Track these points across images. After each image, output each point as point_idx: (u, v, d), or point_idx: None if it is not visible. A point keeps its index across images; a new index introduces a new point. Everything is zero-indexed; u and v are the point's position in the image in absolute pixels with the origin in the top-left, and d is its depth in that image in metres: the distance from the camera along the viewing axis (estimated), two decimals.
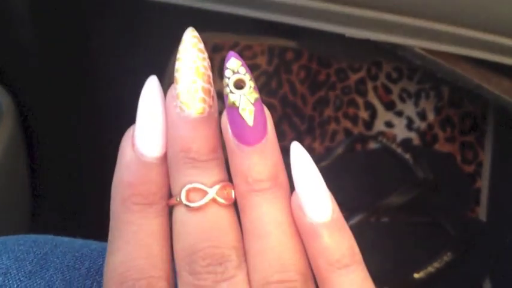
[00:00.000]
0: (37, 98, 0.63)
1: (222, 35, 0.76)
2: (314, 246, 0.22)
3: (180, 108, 0.22)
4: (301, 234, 0.22)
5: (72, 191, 0.67)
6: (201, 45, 0.22)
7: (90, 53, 0.68)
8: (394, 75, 0.74)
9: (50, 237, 0.30)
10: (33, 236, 0.30)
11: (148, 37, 0.68)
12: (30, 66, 0.62)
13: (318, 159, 0.68)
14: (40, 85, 0.63)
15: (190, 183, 0.22)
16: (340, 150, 0.70)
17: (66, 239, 0.30)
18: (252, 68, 0.75)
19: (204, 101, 0.22)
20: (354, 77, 0.75)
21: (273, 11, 0.47)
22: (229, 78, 0.21)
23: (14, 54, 0.59)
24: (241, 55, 0.75)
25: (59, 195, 0.66)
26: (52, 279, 0.28)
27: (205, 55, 0.22)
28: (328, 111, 0.74)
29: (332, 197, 0.22)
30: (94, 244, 0.30)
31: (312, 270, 0.22)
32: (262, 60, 0.75)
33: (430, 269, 0.62)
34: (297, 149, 0.22)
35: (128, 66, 0.63)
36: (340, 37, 0.48)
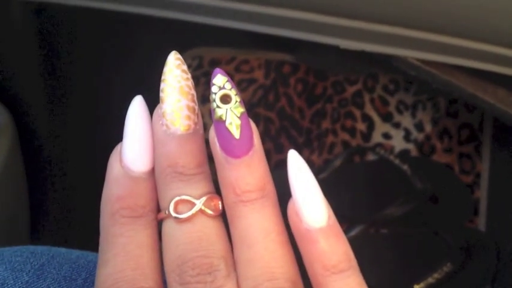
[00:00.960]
0: (35, 114, 0.63)
1: (219, 50, 0.77)
2: (310, 252, 0.22)
3: (166, 126, 0.22)
4: (297, 240, 0.23)
5: (70, 204, 0.67)
6: (185, 67, 0.23)
7: (89, 72, 0.68)
8: (391, 87, 0.75)
9: (46, 248, 0.30)
10: (30, 247, 0.30)
11: (144, 52, 0.68)
12: (30, 82, 0.62)
13: (316, 172, 0.68)
14: (38, 102, 0.63)
15: (178, 195, 0.22)
16: (338, 162, 0.70)
17: (63, 250, 0.30)
18: (249, 82, 0.75)
19: (189, 118, 0.22)
20: (351, 90, 0.75)
21: (268, 24, 0.47)
22: (215, 93, 0.22)
23: (13, 71, 0.60)
24: (239, 69, 0.76)
25: (58, 209, 0.66)
26: None
27: (189, 75, 0.23)
28: (326, 124, 0.74)
29: (328, 204, 0.23)
30: (91, 255, 0.30)
31: (301, 278, 0.23)
32: (259, 74, 0.75)
33: (430, 280, 0.62)
34: (293, 157, 0.23)
35: (124, 84, 0.64)
36: (336, 50, 0.49)
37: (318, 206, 0.22)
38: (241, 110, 0.22)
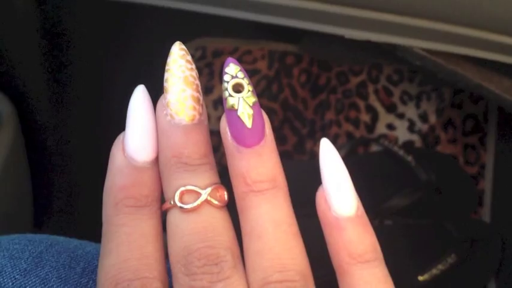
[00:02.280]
0: (38, 106, 0.63)
1: (222, 40, 0.76)
2: (337, 239, 0.22)
3: (171, 116, 0.22)
4: (324, 228, 0.23)
5: (74, 196, 0.67)
6: (189, 57, 0.23)
7: (92, 63, 0.68)
8: (395, 77, 0.74)
9: (45, 236, 0.30)
10: (28, 235, 0.30)
11: (146, 43, 0.68)
12: (32, 74, 0.62)
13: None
14: (41, 93, 0.63)
15: (184, 185, 0.22)
16: (342, 153, 0.70)
17: (61, 238, 0.30)
18: (252, 72, 0.75)
19: (194, 108, 0.22)
20: (355, 80, 0.74)
21: (272, 13, 0.47)
22: (228, 82, 0.22)
23: (16, 62, 0.60)
24: (242, 60, 0.75)
25: (61, 201, 0.66)
26: (47, 277, 0.28)
27: (193, 66, 0.23)
28: (330, 115, 0.74)
29: (357, 195, 0.23)
30: (89, 246, 0.30)
31: (311, 271, 0.22)
32: (262, 65, 0.75)
33: (435, 271, 0.62)
34: (326, 146, 0.23)
35: (127, 75, 0.63)
36: (340, 40, 0.48)
37: (349, 195, 0.22)
38: (254, 99, 0.22)
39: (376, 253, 0.22)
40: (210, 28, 0.75)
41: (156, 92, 0.24)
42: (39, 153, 0.63)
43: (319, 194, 0.23)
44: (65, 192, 0.67)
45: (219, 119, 0.75)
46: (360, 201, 0.23)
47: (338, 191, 0.22)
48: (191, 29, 0.74)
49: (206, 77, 0.74)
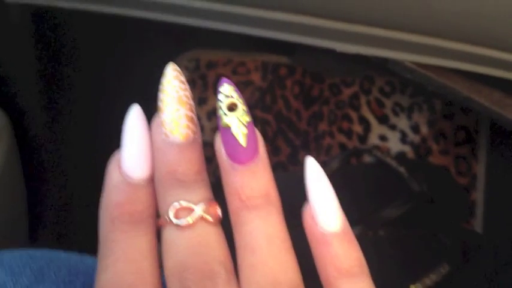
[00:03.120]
0: (33, 117, 0.63)
1: (216, 52, 0.77)
2: (324, 255, 0.23)
3: (165, 135, 0.23)
4: (311, 244, 0.23)
5: (68, 207, 0.67)
6: (183, 78, 0.23)
7: (88, 76, 0.68)
8: (387, 89, 0.75)
9: (45, 251, 0.30)
10: (29, 251, 0.30)
11: (142, 55, 0.68)
12: (28, 86, 0.62)
13: None
14: (36, 104, 0.63)
15: (178, 202, 0.23)
16: (335, 164, 0.71)
17: (62, 253, 0.31)
18: (246, 84, 0.75)
19: (188, 127, 0.23)
20: (347, 92, 0.75)
21: (264, 27, 0.47)
22: (222, 102, 0.23)
23: (11, 73, 0.60)
24: (235, 72, 0.76)
25: (55, 212, 0.66)
26: None
27: (187, 86, 0.23)
28: (323, 126, 0.74)
29: (342, 211, 0.24)
30: (89, 260, 0.31)
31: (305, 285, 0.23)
32: (256, 77, 0.76)
33: (427, 281, 0.62)
34: (311, 164, 0.24)
35: (124, 89, 0.64)
36: (332, 52, 0.49)
37: (334, 211, 0.23)
38: (248, 118, 0.23)
39: (362, 267, 0.23)
40: (204, 40, 0.75)
41: (151, 107, 0.25)
42: (34, 163, 0.64)
43: (305, 211, 0.23)
44: (59, 201, 0.67)
45: (212, 130, 0.75)
46: (345, 217, 0.23)
47: (324, 207, 0.23)
48: (185, 40, 0.74)
49: (200, 89, 0.75)
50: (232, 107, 0.23)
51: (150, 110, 0.24)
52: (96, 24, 0.63)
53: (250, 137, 0.23)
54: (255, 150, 0.23)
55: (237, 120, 0.23)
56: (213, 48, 0.77)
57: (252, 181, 0.23)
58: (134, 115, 0.23)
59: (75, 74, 0.68)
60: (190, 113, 0.23)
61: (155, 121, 0.23)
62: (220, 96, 0.23)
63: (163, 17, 0.51)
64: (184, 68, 0.75)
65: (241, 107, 0.23)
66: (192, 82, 0.74)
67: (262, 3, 0.46)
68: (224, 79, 0.24)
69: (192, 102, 0.23)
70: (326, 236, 0.23)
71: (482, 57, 0.46)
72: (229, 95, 0.23)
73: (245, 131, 0.23)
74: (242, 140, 0.23)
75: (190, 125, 0.23)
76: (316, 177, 0.23)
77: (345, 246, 0.23)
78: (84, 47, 0.68)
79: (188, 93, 0.23)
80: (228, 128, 0.23)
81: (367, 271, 0.23)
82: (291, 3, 0.45)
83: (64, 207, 0.67)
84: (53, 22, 0.63)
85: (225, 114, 0.23)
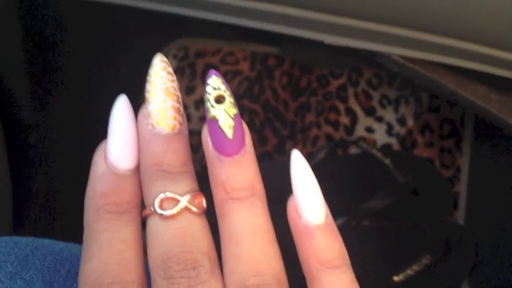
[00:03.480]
0: (20, 105, 0.63)
1: (205, 41, 0.77)
2: (307, 247, 0.23)
3: (152, 126, 0.23)
4: (294, 236, 0.24)
5: (54, 198, 0.66)
6: (170, 69, 0.23)
7: (77, 66, 0.68)
8: (375, 81, 0.76)
9: (30, 239, 0.30)
10: (14, 238, 0.30)
11: (131, 44, 0.68)
12: (14, 73, 0.62)
13: None
14: (23, 93, 0.63)
15: (163, 192, 0.23)
16: (321, 155, 0.71)
17: (46, 241, 0.31)
18: (234, 73, 0.75)
19: (175, 118, 0.23)
20: (335, 83, 0.76)
21: (253, 18, 0.47)
22: (210, 94, 0.23)
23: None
24: (224, 61, 0.76)
25: (41, 202, 0.66)
26: (32, 280, 0.28)
27: (174, 77, 0.23)
28: (310, 117, 0.75)
29: (326, 204, 0.24)
30: (74, 248, 0.31)
31: (288, 275, 0.23)
32: (244, 66, 0.76)
33: (409, 271, 0.63)
34: (296, 157, 0.24)
35: (113, 80, 0.64)
36: (321, 44, 0.49)
37: (317, 204, 0.24)
38: (235, 110, 0.23)
39: (344, 259, 0.24)
40: (193, 29, 0.75)
41: (138, 98, 0.25)
42: (20, 153, 0.63)
43: (289, 203, 0.24)
44: (46, 192, 0.67)
45: (200, 119, 0.75)
46: (328, 209, 0.24)
47: (308, 200, 0.23)
48: (174, 29, 0.74)
49: (188, 78, 0.75)
50: (219, 99, 0.23)
51: (138, 100, 0.24)
52: (84, 12, 0.63)
53: (236, 130, 0.23)
54: (242, 143, 0.23)
55: (224, 113, 0.23)
56: (202, 37, 0.77)
57: (238, 173, 0.23)
58: (121, 105, 0.23)
59: (66, 63, 0.67)
60: (177, 104, 0.23)
61: (142, 112, 0.23)
62: (208, 88, 0.23)
63: (153, 5, 0.51)
64: (172, 57, 0.75)
65: (229, 99, 0.23)
66: (180, 71, 0.74)
67: None
68: (212, 71, 0.24)
69: (179, 94, 0.23)
70: (309, 228, 0.23)
71: (468, 52, 0.47)
72: (217, 87, 0.23)
73: (232, 123, 0.23)
74: (229, 132, 0.23)
75: (177, 116, 0.23)
76: (301, 171, 0.24)
77: (328, 238, 0.23)
78: (71, 35, 0.67)
79: (175, 84, 0.23)
80: (215, 120, 0.23)
81: (349, 263, 0.24)
82: None
83: (51, 196, 0.67)
84: (41, 11, 0.62)
85: (213, 106, 0.23)
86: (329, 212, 0.24)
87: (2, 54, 0.60)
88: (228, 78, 0.75)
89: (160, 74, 0.23)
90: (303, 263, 0.24)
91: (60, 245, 0.31)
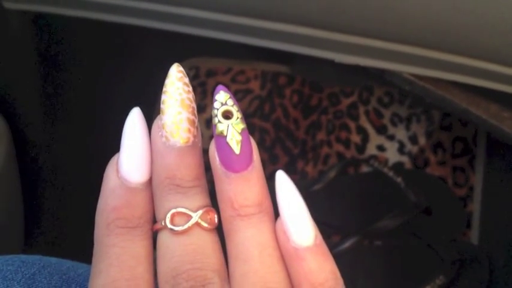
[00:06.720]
0: (32, 123, 0.63)
1: (216, 60, 0.77)
2: (298, 270, 0.22)
3: (166, 138, 0.22)
4: (285, 259, 0.23)
5: (64, 214, 0.67)
6: (187, 80, 0.23)
7: (88, 83, 0.69)
8: (386, 99, 0.75)
9: (38, 257, 0.30)
10: (21, 256, 0.30)
11: (142, 63, 0.68)
12: (27, 91, 0.62)
13: (311, 183, 0.68)
14: (35, 110, 0.64)
15: (175, 207, 0.22)
16: (332, 173, 0.71)
17: (54, 260, 0.31)
18: (245, 92, 0.76)
19: (189, 131, 0.23)
20: (346, 102, 0.75)
21: (264, 37, 0.47)
22: (217, 109, 0.23)
23: (11, 79, 0.60)
24: (235, 80, 0.76)
25: (51, 219, 0.66)
26: None
27: (190, 88, 0.23)
28: (321, 135, 0.74)
29: (315, 224, 0.23)
30: (81, 268, 0.30)
31: None
32: (255, 85, 0.76)
33: None
34: (281, 178, 0.23)
35: (123, 96, 0.64)
36: (331, 63, 0.49)
37: (306, 226, 0.23)
38: (242, 126, 0.23)
39: (337, 280, 0.23)
40: (204, 48, 0.76)
41: (151, 112, 0.25)
42: (32, 169, 0.64)
43: (277, 226, 0.23)
44: (56, 207, 0.67)
45: (210, 138, 0.75)
46: (317, 229, 0.23)
47: (295, 222, 0.23)
48: (185, 48, 0.74)
49: (199, 96, 0.75)
50: (227, 115, 0.23)
51: (148, 115, 0.24)
52: (95, 31, 0.64)
53: (244, 145, 0.23)
54: (249, 159, 0.23)
55: (231, 128, 0.22)
56: (213, 56, 0.77)
57: (246, 189, 0.23)
58: (134, 118, 0.23)
59: (76, 81, 0.68)
60: (192, 117, 0.23)
61: (156, 123, 0.23)
62: (215, 104, 0.23)
63: (165, 26, 0.51)
64: None
65: (236, 114, 0.23)
66: None
67: (262, 14, 0.46)
68: (220, 86, 0.23)
69: (194, 105, 0.23)
70: (299, 251, 0.22)
71: (480, 70, 0.47)
72: (225, 102, 0.23)
73: (239, 138, 0.22)
74: (236, 148, 0.22)
75: (191, 128, 0.23)
76: (286, 192, 0.23)
77: (319, 259, 0.22)
78: (83, 54, 0.68)
79: (191, 95, 0.23)
80: (222, 136, 0.22)
81: (342, 282, 0.23)
82: (291, 15, 0.45)
83: (61, 212, 0.67)
84: (53, 28, 0.63)
85: (220, 121, 0.22)
86: (318, 232, 0.23)
87: (16, 81, 0.60)
88: (238, 97, 0.75)
89: (177, 85, 0.23)
90: (295, 287, 0.23)
91: (67, 264, 0.31)
